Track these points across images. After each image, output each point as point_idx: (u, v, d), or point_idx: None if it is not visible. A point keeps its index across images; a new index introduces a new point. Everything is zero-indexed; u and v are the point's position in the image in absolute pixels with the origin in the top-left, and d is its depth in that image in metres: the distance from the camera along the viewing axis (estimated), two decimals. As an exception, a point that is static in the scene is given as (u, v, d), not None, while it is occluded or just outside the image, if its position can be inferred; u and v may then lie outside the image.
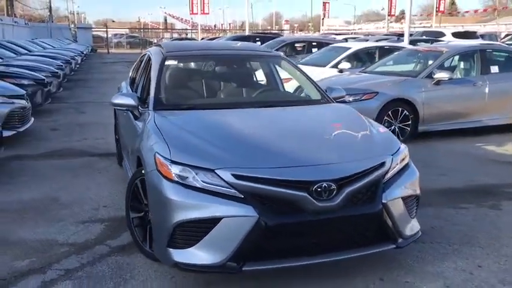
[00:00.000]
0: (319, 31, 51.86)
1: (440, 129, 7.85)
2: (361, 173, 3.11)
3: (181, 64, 4.72)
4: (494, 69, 8.29)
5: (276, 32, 43.76)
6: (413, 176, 3.49)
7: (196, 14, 36.73)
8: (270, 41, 14.83)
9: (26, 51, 17.19)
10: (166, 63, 4.53)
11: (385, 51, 10.73)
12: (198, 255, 2.95)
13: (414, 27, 37.07)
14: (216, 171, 2.97)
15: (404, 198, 3.32)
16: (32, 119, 8.33)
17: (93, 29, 47.27)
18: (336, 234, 3.12)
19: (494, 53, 8.97)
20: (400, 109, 7.51)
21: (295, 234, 3.02)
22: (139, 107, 4.12)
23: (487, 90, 8.05)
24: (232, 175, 2.94)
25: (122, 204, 4.32)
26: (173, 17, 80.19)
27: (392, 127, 7.48)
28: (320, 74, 9.53)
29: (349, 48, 10.91)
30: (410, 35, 22.82)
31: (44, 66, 12.82)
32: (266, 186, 2.92)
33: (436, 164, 6.39)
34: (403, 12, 70.51)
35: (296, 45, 14.51)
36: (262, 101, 4.37)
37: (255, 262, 2.97)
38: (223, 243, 2.90)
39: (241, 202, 2.90)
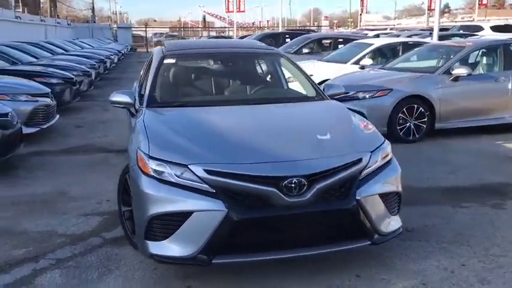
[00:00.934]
0: (357, 27, 51.17)
1: (458, 127, 7.67)
2: (333, 170, 3.13)
3: (180, 62, 4.85)
4: (519, 64, 8.02)
5: (310, 28, 43.39)
6: (393, 173, 3.48)
7: (232, 12, 37.03)
8: (297, 38, 14.81)
9: (63, 51, 17.85)
10: (165, 61, 4.67)
11: (409, 47, 10.54)
12: (171, 247, 3.06)
13: (456, 22, 36.02)
14: (189, 166, 3.07)
15: (382, 195, 3.32)
16: (57, 116, 8.69)
17: (133, 29, 48.45)
18: (308, 229, 3.17)
19: (520, 47, 8.66)
20: (416, 106, 7.39)
21: (265, 228, 3.08)
22: (135, 104, 4.28)
23: (510, 86, 7.80)
24: (205, 170, 3.03)
25: (121, 199, 4.49)
26: (212, 15, 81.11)
27: (408, 124, 7.38)
28: (341, 70, 9.51)
29: (372, 44, 10.78)
30: (447, 29, 22.28)
31: (76, 65, 13.30)
32: (236, 182, 3.00)
33: (447, 162, 6.28)
34: (446, 6, 68.56)
35: (322, 41, 14.44)
36: (254, 98, 4.45)
37: (225, 255, 3.06)
38: (194, 237, 3.00)
39: (212, 197, 2.99)
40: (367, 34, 17.92)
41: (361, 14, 53.87)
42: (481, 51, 8.40)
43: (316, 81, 8.49)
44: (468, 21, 40.51)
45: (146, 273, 3.39)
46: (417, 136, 7.44)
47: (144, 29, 48.23)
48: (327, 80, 8.78)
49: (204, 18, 73.45)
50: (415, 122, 7.42)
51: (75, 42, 24.60)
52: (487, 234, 4.04)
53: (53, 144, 7.61)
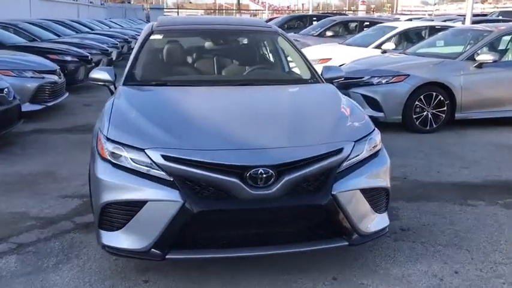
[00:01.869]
0: (392, 12, 49.61)
1: (480, 118, 7.12)
2: (306, 160, 2.78)
3: (167, 39, 4.54)
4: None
5: (341, 12, 42.19)
6: (380, 166, 3.09)
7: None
8: (322, 20, 14.28)
9: (89, 30, 17.84)
10: (151, 37, 4.38)
11: (436, 32, 9.91)
12: (123, 239, 2.79)
13: (497, 8, 34.36)
14: (146, 150, 2.78)
15: (365, 190, 2.95)
16: (67, 94, 8.58)
17: (164, 10, 48.36)
18: (275, 226, 2.84)
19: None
20: (434, 94, 6.88)
21: (226, 223, 2.77)
22: (115, 82, 4.01)
23: (541, 75, 7.17)
24: (162, 156, 2.74)
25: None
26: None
27: (425, 113, 6.89)
28: (361, 55, 9.03)
29: (396, 28, 10.20)
30: (485, 15, 21.19)
31: (97, 44, 13.20)
32: (195, 170, 2.69)
33: (462, 155, 5.80)
34: (489, -8, 65.61)
35: (348, 24, 13.86)
36: (240, 79, 4.10)
37: (181, 250, 2.77)
38: (147, 228, 2.72)
39: (168, 185, 2.70)
40: (398, 19, 17.10)
41: (398, -1, 52.13)
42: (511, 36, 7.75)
43: (336, 65, 8.12)
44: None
45: (105, 264, 3.15)
46: (434, 126, 6.95)
47: (176, 10, 48.09)
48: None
49: (238, 1, 72.80)
50: (433, 111, 6.92)
51: (105, 21, 24.64)
52: (491, 237, 3.62)
53: (56, 122, 7.47)
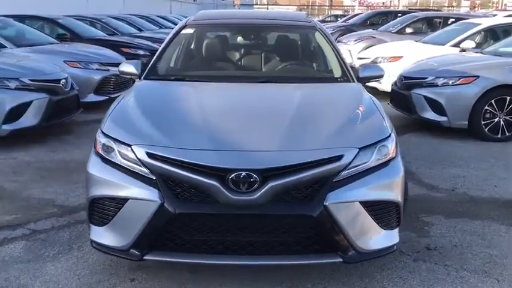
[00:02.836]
0: (497, 8, 46.03)
1: None
2: (296, 166, 2.54)
3: (199, 33, 4.44)
4: None
5: (435, 8, 39.76)
6: (389, 177, 2.76)
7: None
8: (403, 17, 13.51)
9: (172, 25, 18.42)
10: (183, 31, 4.31)
11: (526, 29, 8.94)
12: (107, 235, 2.74)
13: None
14: (132, 146, 2.70)
15: (367, 203, 2.65)
16: (133, 86, 8.85)
17: (255, 6, 48.83)
18: (262, 235, 2.61)
19: None
20: (509, 98, 6.17)
21: (205, 227, 2.61)
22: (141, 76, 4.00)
23: None
24: (146, 153, 2.64)
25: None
26: (340, -7, 78.52)
27: (496, 119, 6.21)
28: (435, 53, 8.37)
29: (479, 24, 9.34)
30: None
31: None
32: (177, 169, 2.56)
33: (529, 169, 5.14)
34: None
35: (431, 21, 12.99)
36: (262, 76, 3.90)
37: (160, 252, 2.65)
38: (128, 227, 2.64)
39: (150, 184, 2.60)
40: (495, 15, 15.74)
41: (504, -6, 48.22)
42: None
43: (408, 64, 7.59)
44: None
45: (101, 259, 3.13)
46: (507, 134, 6.25)
47: (266, 5, 48.38)
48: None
49: (331, -3, 71.41)
50: (507, 118, 6.21)
51: (192, 17, 25.33)
52: (533, 267, 3.13)
53: (117, 113, 7.72)
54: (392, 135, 2.95)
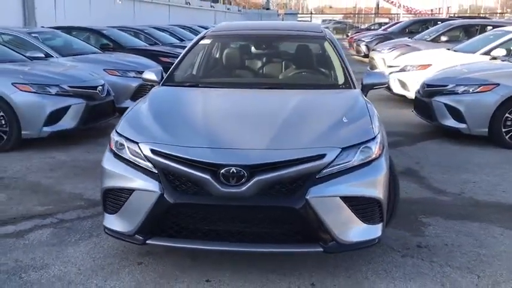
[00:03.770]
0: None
1: None
2: (280, 163, 2.82)
3: (216, 44, 4.80)
4: None
5: (482, 16, 38.61)
6: (371, 176, 2.98)
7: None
8: (439, 25, 13.46)
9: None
10: (201, 42, 4.68)
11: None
12: (117, 222, 3.10)
13: None
14: (139, 144, 3.06)
15: (347, 199, 2.89)
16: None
17: (298, 15, 49.26)
18: (249, 224, 2.90)
19: None
20: (531, 107, 6.18)
21: (199, 216, 2.92)
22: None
23: None
24: (150, 150, 3.00)
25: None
26: (387, 1, 77.77)
27: (516, 128, 6.22)
28: (465, 61, 8.39)
29: (510, 32, 9.25)
30: None
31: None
32: (175, 164, 2.90)
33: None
34: None
35: (469, 29, 12.86)
36: (269, 83, 4.20)
37: (160, 237, 2.99)
38: (133, 214, 2.99)
39: (152, 177, 2.95)
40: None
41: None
42: None
43: (436, 71, 7.67)
44: None
45: (115, 245, 3.50)
46: (527, 145, 6.24)
47: (309, 15, 48.63)
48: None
49: (377, 5, 70.98)
50: (528, 127, 6.22)
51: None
52: (517, 265, 3.25)
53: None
54: (379, 136, 3.18)
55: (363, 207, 2.97)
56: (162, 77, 4.38)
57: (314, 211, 2.81)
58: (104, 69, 8.12)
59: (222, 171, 2.81)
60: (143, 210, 2.94)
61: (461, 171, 5.36)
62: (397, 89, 9.45)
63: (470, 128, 6.36)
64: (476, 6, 78.15)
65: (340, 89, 4.06)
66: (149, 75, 4.40)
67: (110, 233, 3.17)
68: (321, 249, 2.89)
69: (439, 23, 16.47)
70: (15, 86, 5.90)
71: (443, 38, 12.21)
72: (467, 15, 44.05)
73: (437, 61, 9.10)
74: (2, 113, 5.89)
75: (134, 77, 8.39)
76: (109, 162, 3.18)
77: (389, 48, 12.44)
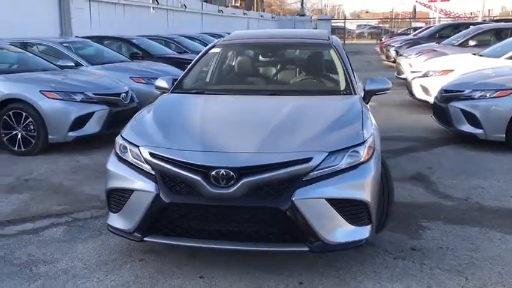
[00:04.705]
0: None
1: None
2: (268, 166, 2.97)
3: (225, 52, 4.99)
4: None
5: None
6: (358, 179, 3.08)
7: (436, 1, 34.72)
8: (468, 29, 13.25)
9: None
10: (211, 51, 4.89)
11: None
12: (119, 220, 3.32)
13: None
14: (140, 147, 3.28)
15: (333, 201, 3.00)
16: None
17: (332, 21, 49.12)
18: (239, 224, 3.06)
19: None
20: (549, 112, 6.08)
21: (192, 216, 3.10)
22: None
23: None
24: (149, 153, 3.20)
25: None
26: (424, 5, 76.33)
27: (534, 134, 6.13)
28: (488, 66, 8.30)
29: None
30: None
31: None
32: (170, 166, 3.09)
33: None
34: None
35: (500, 33, 12.62)
36: (271, 90, 4.35)
37: (157, 235, 3.18)
38: (133, 213, 3.20)
39: (149, 178, 3.15)
40: None
41: None
42: None
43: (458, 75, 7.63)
44: None
45: (121, 243, 3.72)
46: (547, 150, 6.14)
47: (343, 20, 48.41)
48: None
49: (414, 9, 69.79)
50: (546, 133, 6.12)
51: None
52: (507, 269, 3.27)
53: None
54: (369, 141, 3.28)
55: (349, 209, 3.08)
56: (172, 85, 4.62)
57: (300, 212, 2.94)
58: (130, 77, 8.46)
59: (213, 173, 2.99)
60: (141, 210, 3.14)
61: (472, 176, 5.35)
62: (419, 94, 9.41)
63: (486, 133, 6.31)
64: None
65: (341, 95, 4.17)
66: (161, 83, 4.63)
67: (113, 231, 3.39)
68: (307, 249, 3.02)
69: (471, 27, 16.21)
70: (42, 94, 6.28)
71: (472, 43, 12.04)
72: (509, 17, 42.78)
73: (460, 66, 9.00)
74: (30, 119, 6.27)
75: (158, 84, 8.69)
76: (113, 165, 3.41)
77: (416, 54, 12.36)
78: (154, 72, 8.91)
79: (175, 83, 4.52)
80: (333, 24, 48.42)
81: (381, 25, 55.75)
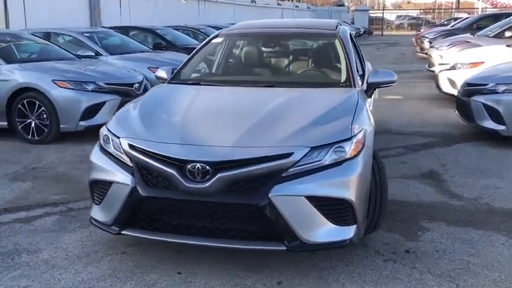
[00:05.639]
0: None
1: None
2: (244, 161, 2.84)
3: (228, 42, 4.85)
4: None
5: None
6: (342, 176, 2.91)
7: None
8: (504, 20, 12.59)
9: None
10: (213, 41, 4.78)
11: None
12: (99, 212, 3.28)
13: None
14: (120, 139, 3.21)
15: (313, 198, 2.85)
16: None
17: (370, 12, 48.03)
18: (215, 220, 2.94)
19: None
20: None
21: (167, 210, 3.00)
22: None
23: None
24: (128, 144, 3.13)
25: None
26: (469, -5, 73.58)
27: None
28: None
29: None
30: None
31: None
32: (146, 159, 3.01)
33: None
34: None
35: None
36: (266, 81, 4.18)
37: (134, 229, 3.11)
38: (111, 206, 3.14)
39: (128, 171, 3.08)
40: None
41: None
42: None
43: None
44: None
45: (107, 235, 3.61)
46: None
47: (382, 11, 47.27)
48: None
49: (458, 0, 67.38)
50: None
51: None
52: (502, 277, 3.04)
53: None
54: (358, 136, 3.09)
55: (332, 208, 2.92)
56: (171, 76, 4.53)
57: (277, 209, 2.81)
58: (148, 67, 8.46)
59: (188, 166, 2.89)
60: (119, 202, 3.08)
61: (487, 175, 5.05)
62: (446, 87, 9.01)
63: (509, 129, 5.96)
64: None
65: (340, 87, 3.98)
66: (161, 73, 4.56)
67: (94, 223, 3.35)
68: (284, 248, 2.88)
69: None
70: (54, 83, 6.34)
71: (508, 34, 11.43)
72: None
73: (491, 59, 8.55)
74: (43, 108, 6.34)
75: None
76: (95, 156, 3.36)
77: (449, 45, 11.86)
78: (173, 63, 8.87)
79: (173, 74, 4.43)
80: (371, 14, 47.38)
81: (421, 16, 54.14)
